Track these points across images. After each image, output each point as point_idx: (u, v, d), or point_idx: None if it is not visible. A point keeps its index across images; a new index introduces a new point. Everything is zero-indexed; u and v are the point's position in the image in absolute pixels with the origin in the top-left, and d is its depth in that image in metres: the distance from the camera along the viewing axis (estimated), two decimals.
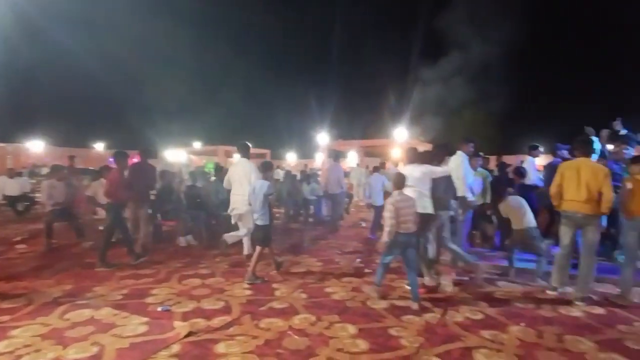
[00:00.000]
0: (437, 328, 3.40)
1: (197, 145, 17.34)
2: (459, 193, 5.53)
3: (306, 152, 31.88)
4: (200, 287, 4.54)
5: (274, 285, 4.63)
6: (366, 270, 5.29)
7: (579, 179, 4.03)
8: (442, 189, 4.72)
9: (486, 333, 3.29)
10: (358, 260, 5.90)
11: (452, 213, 4.91)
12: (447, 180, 4.82)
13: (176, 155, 15.80)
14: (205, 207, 7.44)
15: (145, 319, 3.56)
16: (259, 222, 4.87)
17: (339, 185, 8.85)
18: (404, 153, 10.12)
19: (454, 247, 4.85)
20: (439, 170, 4.73)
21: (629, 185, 3.99)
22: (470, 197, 5.63)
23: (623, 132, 6.02)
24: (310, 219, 10.14)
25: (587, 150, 4.21)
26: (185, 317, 3.65)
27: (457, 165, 5.72)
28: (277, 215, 10.34)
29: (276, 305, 3.98)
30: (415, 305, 3.87)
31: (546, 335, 3.24)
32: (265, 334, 3.30)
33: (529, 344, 3.08)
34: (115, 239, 5.74)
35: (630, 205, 3.96)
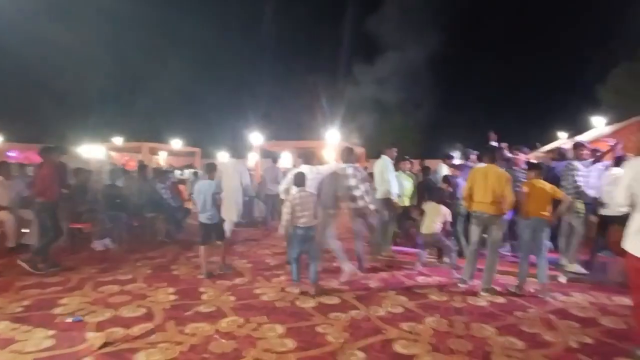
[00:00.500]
0: (362, 323, 3.57)
1: (118, 141, 16.01)
2: (381, 195, 5.87)
3: (239, 151, 31.16)
4: (119, 294, 4.25)
5: (201, 289, 4.49)
6: None
7: (486, 183, 4.50)
8: (331, 188, 5.01)
9: (405, 325, 3.53)
10: None
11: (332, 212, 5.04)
12: (337, 179, 5.05)
13: (94, 152, 14.47)
14: (126, 208, 6.97)
15: (51, 332, 3.25)
16: (210, 221, 5.03)
17: (276, 186, 8.89)
18: (337, 154, 10.29)
19: (334, 245, 4.97)
20: (323, 169, 5.09)
21: (526, 189, 4.55)
22: (394, 199, 6.00)
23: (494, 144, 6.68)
24: (241, 220, 9.97)
25: (493, 157, 4.72)
26: (100, 327, 3.40)
27: (382, 169, 6.08)
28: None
29: (203, 309, 3.87)
30: (312, 290, 4.26)
31: (456, 324, 3.57)
32: (190, 339, 3.20)
33: (442, 333, 3.38)
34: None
35: (526, 206, 4.52)
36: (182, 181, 14.18)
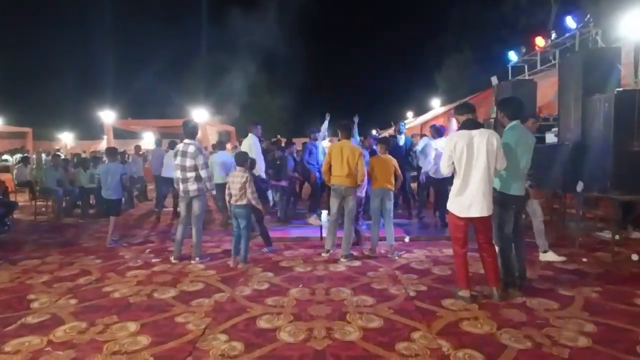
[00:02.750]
0: (226, 305, 3.48)
1: None
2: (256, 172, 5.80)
3: (88, 132, 26.96)
4: None
5: (30, 296, 3.75)
6: (154, 260, 4.98)
7: (342, 158, 4.80)
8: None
9: (270, 300, 3.57)
10: (148, 251, 5.47)
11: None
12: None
13: None
14: None
15: None
16: (109, 197, 5.87)
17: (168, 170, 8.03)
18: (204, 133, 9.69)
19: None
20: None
21: (373, 162, 5.01)
22: (263, 176, 5.99)
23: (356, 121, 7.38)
24: (92, 211, 8.72)
25: (348, 133, 5.03)
26: None
27: (249, 147, 5.98)
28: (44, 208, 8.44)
29: (31, 320, 3.23)
30: (242, 265, 4.63)
31: (317, 292, 3.77)
32: (11, 358, 2.64)
33: (304, 302, 3.52)
34: None
35: (374, 178, 4.99)
36: (7, 168, 11.62)
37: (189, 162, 4.71)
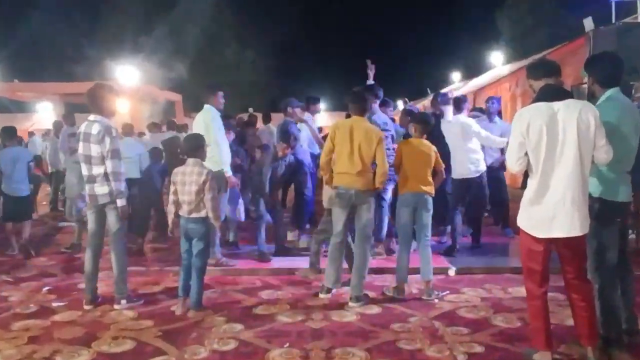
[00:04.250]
0: None
1: None
2: (214, 167, 5.75)
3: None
4: None
5: None
6: (56, 304, 5.01)
7: (352, 145, 4.75)
8: None
9: None
10: (46, 289, 5.52)
11: None
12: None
13: None
14: None
15: None
16: (24, 192, 6.59)
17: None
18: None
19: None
20: None
21: (402, 150, 4.99)
22: (229, 173, 5.95)
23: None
24: None
25: (362, 106, 4.97)
26: None
27: (206, 125, 5.89)
28: None
29: None
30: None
31: (313, 354, 3.75)
32: None
33: None
34: None
35: (403, 177, 4.95)
36: None
37: (94, 150, 4.66)
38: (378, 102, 6.35)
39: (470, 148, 6.20)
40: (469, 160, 6.19)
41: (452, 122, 6.27)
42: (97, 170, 4.70)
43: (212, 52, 26.89)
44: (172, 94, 18.91)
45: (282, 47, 29.16)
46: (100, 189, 4.72)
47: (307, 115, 7.60)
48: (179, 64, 22.57)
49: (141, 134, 12.11)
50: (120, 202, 4.72)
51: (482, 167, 6.32)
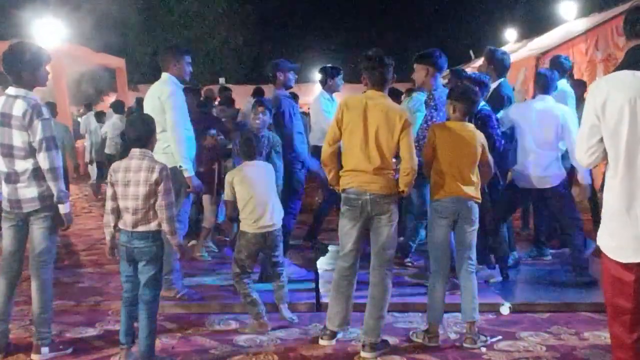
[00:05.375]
0: None
1: None
2: (168, 162, 5.79)
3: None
4: None
5: None
6: None
7: (366, 130, 4.73)
8: None
9: None
10: None
11: None
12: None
13: None
14: None
15: None
16: None
17: None
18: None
19: None
20: None
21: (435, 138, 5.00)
22: (190, 173, 5.99)
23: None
24: None
25: (383, 77, 4.92)
26: None
27: (161, 103, 5.91)
28: None
29: None
30: None
31: None
32: None
33: None
34: None
35: (436, 174, 4.96)
36: None
37: (18, 139, 4.66)
38: (439, 75, 6.37)
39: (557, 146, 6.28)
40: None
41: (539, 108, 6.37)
42: (23, 165, 4.68)
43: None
44: (112, 58, 18.97)
45: None
46: (27, 192, 4.69)
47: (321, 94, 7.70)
48: (123, 16, 22.67)
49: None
50: (64, 208, 4.74)
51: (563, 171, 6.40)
